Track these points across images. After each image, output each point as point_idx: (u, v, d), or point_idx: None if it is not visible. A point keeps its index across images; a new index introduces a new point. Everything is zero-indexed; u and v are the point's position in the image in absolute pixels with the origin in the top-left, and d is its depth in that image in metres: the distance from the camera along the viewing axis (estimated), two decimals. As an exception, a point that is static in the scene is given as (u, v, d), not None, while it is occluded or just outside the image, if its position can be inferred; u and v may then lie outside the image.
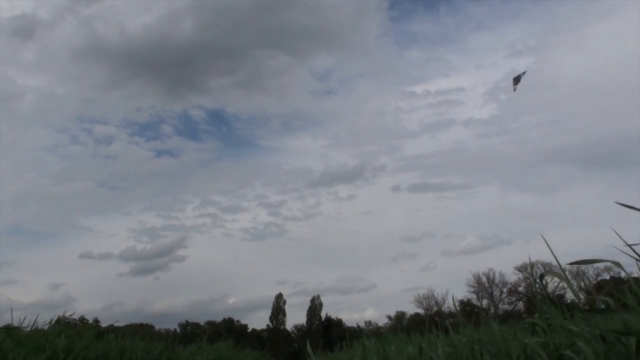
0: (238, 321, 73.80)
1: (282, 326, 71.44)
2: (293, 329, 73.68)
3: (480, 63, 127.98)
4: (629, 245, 2.96)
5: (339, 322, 71.38)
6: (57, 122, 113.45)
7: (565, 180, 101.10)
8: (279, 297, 72.16)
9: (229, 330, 64.37)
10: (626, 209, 2.91)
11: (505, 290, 59.90)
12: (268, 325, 71.85)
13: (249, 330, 73.09)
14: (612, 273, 49.67)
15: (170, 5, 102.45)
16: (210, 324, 71.09)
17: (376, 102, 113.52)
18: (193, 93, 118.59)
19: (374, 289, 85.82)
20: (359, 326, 67.36)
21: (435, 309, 61.75)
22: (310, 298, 72.89)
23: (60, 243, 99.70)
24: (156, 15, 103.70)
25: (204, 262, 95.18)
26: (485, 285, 60.45)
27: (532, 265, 53.21)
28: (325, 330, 66.38)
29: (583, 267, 52.93)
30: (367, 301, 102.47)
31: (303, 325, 72.18)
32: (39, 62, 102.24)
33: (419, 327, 8.25)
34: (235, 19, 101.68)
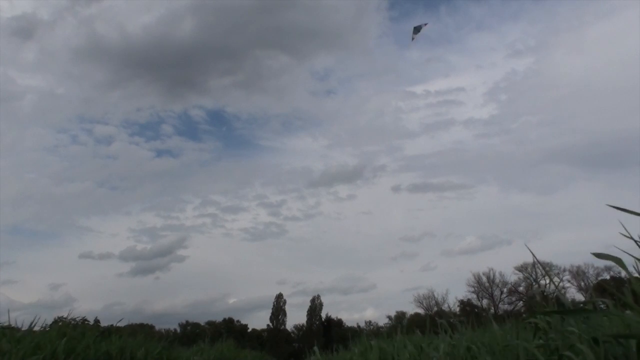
0: (238, 321, 73.81)
1: (282, 326, 71.46)
2: (293, 329, 73.74)
3: (480, 63, 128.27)
4: (635, 240, 2.93)
5: (339, 322, 71.40)
6: (57, 122, 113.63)
7: (565, 180, 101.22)
8: (279, 297, 72.21)
9: (229, 330, 64.34)
10: (627, 207, 2.91)
11: (505, 290, 59.95)
12: (268, 325, 71.89)
13: (249, 330, 73.08)
14: (612, 273, 49.68)
15: (170, 6, 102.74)
16: (211, 324, 71.10)
17: (376, 102, 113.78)
18: (193, 93, 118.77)
19: (374, 289, 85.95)
20: (359, 326, 67.45)
21: (435, 309, 61.74)
22: (310, 298, 73.01)
23: (60, 243, 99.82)
24: (156, 15, 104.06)
25: (204, 262, 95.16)
26: (485, 285, 60.48)
27: (532, 265, 53.30)
28: (325, 330, 66.38)
29: (583, 267, 52.98)
30: (367, 301, 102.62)
31: (303, 325, 72.20)
32: (39, 62, 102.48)
33: (419, 327, 8.26)
34: (235, 19, 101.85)
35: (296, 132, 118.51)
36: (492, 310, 55.20)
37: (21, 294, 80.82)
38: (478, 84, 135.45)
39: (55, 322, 8.47)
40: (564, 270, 54.06)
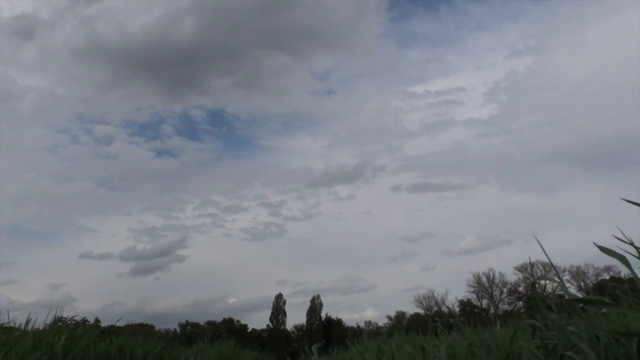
0: (238, 321, 73.82)
1: (282, 326, 71.49)
2: (293, 329, 73.76)
3: (480, 63, 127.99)
4: (635, 246, 2.94)
5: (339, 322, 71.40)
6: (57, 122, 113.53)
7: (565, 180, 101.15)
8: (279, 297, 72.24)
9: (229, 330, 64.36)
10: (627, 208, 2.91)
11: (505, 290, 59.97)
12: (268, 325, 71.91)
13: (249, 330, 73.09)
14: (612, 273, 49.71)
15: (170, 6, 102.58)
16: (210, 324, 71.13)
17: (376, 102, 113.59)
18: (193, 93, 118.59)
19: (374, 289, 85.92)
20: (359, 326, 67.43)
21: (435, 309, 61.78)
22: (310, 298, 73.00)
23: (60, 243, 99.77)
24: (156, 15, 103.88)
25: (204, 262, 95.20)
26: (485, 285, 60.50)
27: (532, 265, 53.31)
28: (325, 330, 66.39)
29: (583, 267, 52.99)
30: (367, 301, 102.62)
31: (303, 325, 72.22)
32: (39, 62, 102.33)
33: (419, 327, 8.26)
34: (235, 19, 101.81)
35: (296, 132, 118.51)
36: (492, 311, 55.25)
37: (21, 294, 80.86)
38: (478, 84, 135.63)
39: (55, 321, 8.47)
40: (564, 271, 54.09)
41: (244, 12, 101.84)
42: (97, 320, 11.72)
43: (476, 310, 54.99)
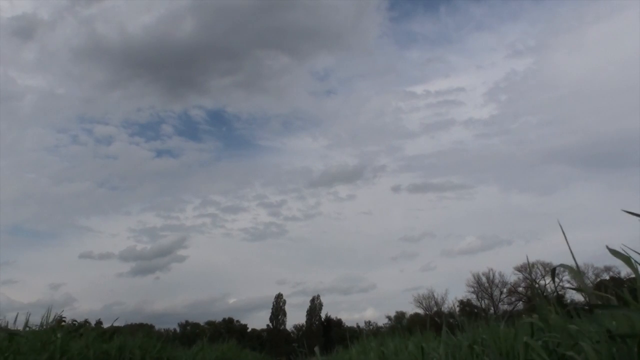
0: (238, 321, 73.85)
1: (282, 326, 71.47)
2: (293, 329, 73.74)
3: (480, 63, 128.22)
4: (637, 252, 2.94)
5: (339, 322, 71.40)
6: (57, 122, 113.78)
7: (565, 180, 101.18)
8: (279, 297, 72.22)
9: (229, 330, 64.35)
10: (626, 208, 2.91)
11: (505, 290, 59.95)
12: (268, 325, 71.90)
13: (249, 330, 73.10)
14: (612, 273, 49.74)
15: (170, 6, 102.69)
16: (210, 324, 71.11)
17: (376, 102, 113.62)
18: (193, 93, 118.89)
19: (374, 289, 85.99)
20: (358, 326, 67.41)
21: (435, 309, 61.75)
22: (310, 298, 73.05)
23: (60, 243, 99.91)
24: (156, 16, 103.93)
25: (204, 262, 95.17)
26: (485, 285, 60.49)
27: (532, 265, 53.27)
28: (325, 330, 66.39)
29: (583, 267, 52.98)
30: (367, 301, 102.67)
31: (303, 325, 72.21)
32: (39, 62, 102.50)
33: (419, 327, 8.25)
34: (236, 19, 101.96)
35: (296, 132, 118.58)
36: (492, 311, 55.20)
37: (21, 294, 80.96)
38: (478, 84, 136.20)
39: (57, 322, 8.45)
40: (564, 271, 54.00)
41: (244, 12, 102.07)
42: (98, 322, 11.69)
43: (476, 310, 54.96)
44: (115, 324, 10.40)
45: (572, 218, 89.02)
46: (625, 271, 40.53)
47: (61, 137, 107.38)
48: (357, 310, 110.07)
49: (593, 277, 52.44)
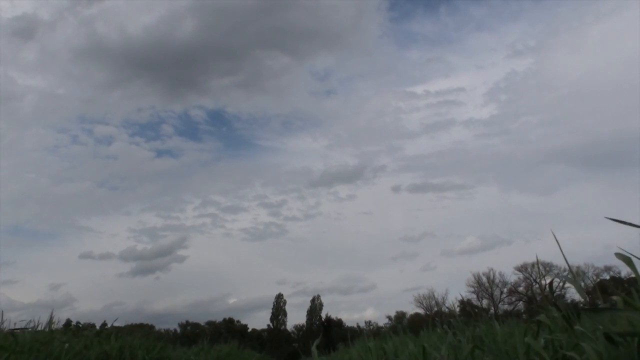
0: (238, 321, 73.79)
1: (283, 326, 71.46)
2: (293, 329, 73.73)
3: (480, 63, 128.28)
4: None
5: (339, 322, 71.37)
6: (57, 122, 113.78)
7: (565, 180, 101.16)
8: (279, 297, 72.21)
9: (229, 330, 64.37)
10: (627, 209, 2.92)
11: (505, 290, 59.90)
12: (268, 325, 71.88)
13: (249, 330, 73.07)
14: (612, 273, 49.71)
15: (170, 6, 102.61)
16: (210, 324, 71.10)
17: (376, 102, 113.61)
18: (193, 93, 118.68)
19: (374, 289, 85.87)
20: (359, 326, 67.44)
21: (435, 309, 61.73)
22: (310, 298, 73.06)
23: (60, 243, 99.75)
24: (157, 16, 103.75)
25: (204, 262, 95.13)
26: (485, 285, 60.41)
27: (532, 265, 53.27)
28: (325, 331, 66.37)
29: (583, 267, 52.95)
30: (367, 301, 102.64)
31: (303, 325, 72.20)
32: (39, 62, 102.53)
33: (419, 327, 8.25)
34: (236, 20, 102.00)
35: (296, 132, 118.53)
36: (492, 311, 55.20)
37: (21, 294, 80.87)
38: (478, 85, 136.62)
39: (66, 325, 8.47)
40: (564, 271, 54.02)
41: (244, 12, 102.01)
42: (103, 325, 11.61)
43: (476, 310, 54.94)
44: (116, 324, 10.42)
45: (572, 218, 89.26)
46: (625, 271, 40.59)
47: (61, 137, 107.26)
48: (357, 310, 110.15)
49: (593, 277, 52.47)
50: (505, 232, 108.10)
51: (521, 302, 56.89)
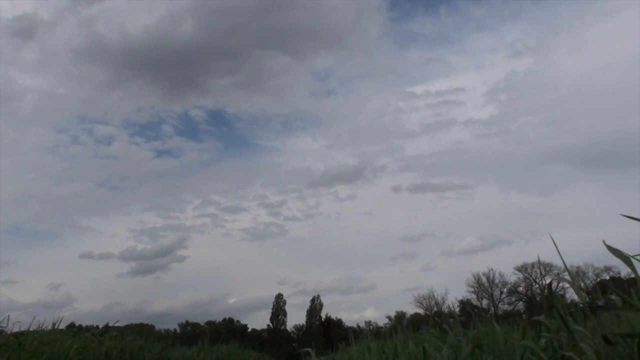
0: (238, 321, 73.82)
1: (283, 326, 71.43)
2: (293, 329, 73.72)
3: (480, 63, 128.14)
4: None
5: (339, 322, 71.39)
6: (57, 122, 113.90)
7: (565, 180, 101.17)
8: (279, 297, 72.18)
9: (229, 330, 64.40)
10: (626, 209, 2.93)
11: (505, 290, 59.90)
12: (268, 325, 71.86)
13: (249, 330, 73.08)
14: (612, 273, 49.72)
15: (170, 6, 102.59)
16: (210, 324, 71.12)
17: (376, 102, 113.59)
18: (193, 93, 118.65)
19: (374, 289, 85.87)
20: (359, 326, 67.41)
21: (435, 309, 61.74)
22: (310, 298, 72.95)
23: (60, 243, 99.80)
24: (157, 16, 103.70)
25: (204, 262, 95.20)
26: (485, 285, 60.41)
27: (532, 265, 53.28)
28: (325, 331, 66.38)
29: (583, 267, 52.97)
30: (367, 301, 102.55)
31: (303, 325, 72.18)
32: (39, 62, 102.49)
33: (419, 327, 8.27)
34: (236, 20, 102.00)
35: (296, 132, 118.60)
36: (492, 311, 55.21)
37: (21, 294, 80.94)
38: (478, 85, 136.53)
39: (69, 327, 8.50)
40: (564, 271, 54.01)
41: (244, 12, 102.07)
42: (106, 326, 11.60)
43: (476, 310, 54.92)
44: (116, 325, 10.43)
45: (572, 218, 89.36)
46: (625, 271, 40.59)
47: (61, 137, 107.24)
48: (357, 310, 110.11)
49: (593, 277, 52.48)
50: (505, 232, 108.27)
51: (521, 302, 56.92)
